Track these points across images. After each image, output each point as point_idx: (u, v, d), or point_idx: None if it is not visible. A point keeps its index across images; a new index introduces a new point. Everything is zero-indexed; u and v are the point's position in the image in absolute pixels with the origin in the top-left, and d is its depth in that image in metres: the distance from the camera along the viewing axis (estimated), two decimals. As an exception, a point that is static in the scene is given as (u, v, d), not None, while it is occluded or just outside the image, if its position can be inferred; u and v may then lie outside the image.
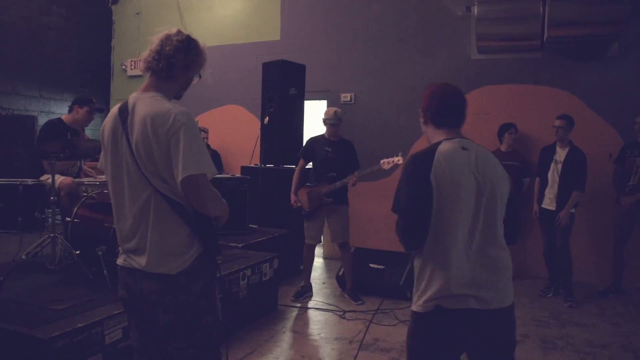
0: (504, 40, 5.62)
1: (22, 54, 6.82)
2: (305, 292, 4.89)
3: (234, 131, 7.23)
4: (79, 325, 2.54)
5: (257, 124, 6.37)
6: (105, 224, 3.34)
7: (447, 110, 1.94)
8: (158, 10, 7.75)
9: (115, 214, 1.92)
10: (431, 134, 1.98)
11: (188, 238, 1.82)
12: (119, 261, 1.93)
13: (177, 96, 1.95)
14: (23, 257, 3.37)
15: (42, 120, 6.51)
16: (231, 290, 3.81)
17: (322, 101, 6.84)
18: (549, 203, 4.96)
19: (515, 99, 5.86)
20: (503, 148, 5.51)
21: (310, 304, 4.74)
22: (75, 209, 3.56)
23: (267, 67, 5.98)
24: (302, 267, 5.05)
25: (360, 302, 4.70)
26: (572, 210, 4.83)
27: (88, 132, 5.14)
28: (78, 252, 3.36)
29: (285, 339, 3.88)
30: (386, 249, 5.46)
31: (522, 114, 5.79)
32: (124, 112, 1.83)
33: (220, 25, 7.35)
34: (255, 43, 7.15)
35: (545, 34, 5.30)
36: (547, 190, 4.99)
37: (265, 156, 5.90)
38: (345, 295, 4.88)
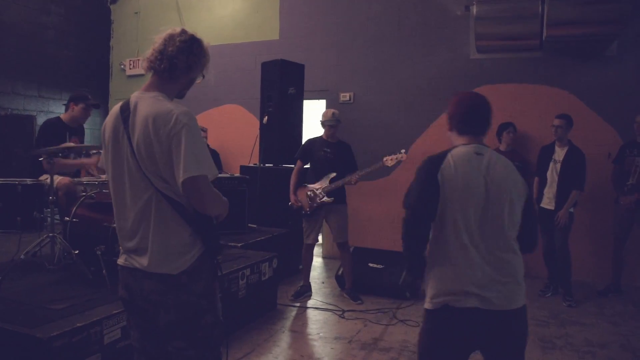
0: (503, 39, 5.62)
1: (21, 53, 6.81)
2: (305, 291, 4.88)
3: (233, 131, 7.23)
4: (78, 324, 2.54)
5: (256, 123, 6.37)
6: (104, 224, 3.33)
7: (471, 119, 2.02)
8: (157, 9, 7.74)
9: (116, 212, 1.91)
10: (454, 141, 2.05)
11: (190, 238, 1.82)
12: (120, 261, 1.92)
13: (180, 95, 1.95)
14: (22, 256, 3.37)
15: (40, 119, 6.49)
16: (230, 289, 3.81)
17: (321, 100, 6.84)
18: (547, 202, 4.95)
19: (514, 98, 5.86)
20: (502, 147, 5.51)
21: (310, 303, 4.73)
22: (74, 208, 3.55)
23: (266, 66, 5.98)
24: (301, 266, 5.05)
25: (359, 301, 4.70)
26: (571, 210, 4.83)
27: (87, 132, 5.12)
28: (77, 251, 3.36)
29: (285, 339, 3.88)
30: (385, 248, 5.46)
31: (521, 113, 5.79)
32: (126, 111, 1.83)
33: (219, 24, 7.34)
34: (254, 42, 7.14)
35: (544, 33, 5.30)
36: (546, 190, 4.99)
37: (264, 156, 5.90)
38: (345, 295, 4.88)
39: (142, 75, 7.52)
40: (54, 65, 7.27)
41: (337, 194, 4.70)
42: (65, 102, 4.49)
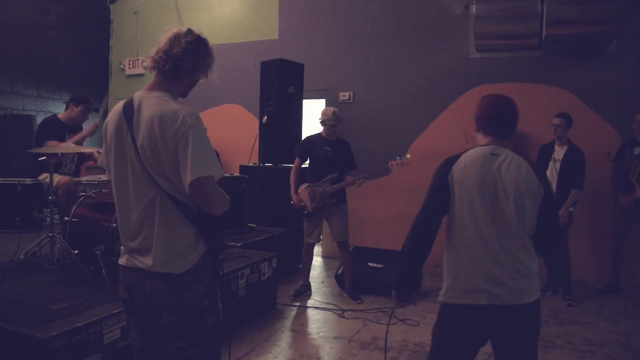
0: (503, 38, 5.62)
1: (21, 53, 6.81)
2: (304, 291, 4.88)
3: (232, 130, 7.22)
4: (78, 324, 2.54)
5: (256, 123, 6.37)
6: (104, 224, 3.33)
7: (497, 122, 2.06)
8: (156, 9, 7.72)
9: (118, 212, 1.90)
10: (479, 141, 2.09)
11: (194, 237, 1.81)
12: (121, 261, 1.91)
13: (183, 94, 1.94)
14: (21, 256, 3.37)
15: (40, 119, 6.47)
16: (230, 289, 3.81)
17: (320, 100, 6.84)
18: (547, 201, 4.95)
19: (513, 97, 5.75)
20: (501, 146, 5.51)
21: (309, 303, 4.73)
22: (74, 208, 3.55)
23: (265, 66, 5.97)
24: (301, 266, 5.05)
25: (359, 301, 4.70)
26: (571, 209, 4.83)
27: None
28: (76, 251, 3.36)
29: (284, 338, 3.88)
30: (385, 247, 5.46)
31: (520, 112, 5.76)
32: (129, 110, 1.81)
33: (218, 24, 7.33)
34: (253, 42, 7.14)
35: (544, 32, 5.30)
36: (545, 189, 4.98)
37: (263, 155, 5.90)
38: (344, 294, 4.88)
39: (141, 75, 7.52)
40: (53, 65, 7.26)
41: (338, 194, 4.70)
42: (65, 101, 4.50)
